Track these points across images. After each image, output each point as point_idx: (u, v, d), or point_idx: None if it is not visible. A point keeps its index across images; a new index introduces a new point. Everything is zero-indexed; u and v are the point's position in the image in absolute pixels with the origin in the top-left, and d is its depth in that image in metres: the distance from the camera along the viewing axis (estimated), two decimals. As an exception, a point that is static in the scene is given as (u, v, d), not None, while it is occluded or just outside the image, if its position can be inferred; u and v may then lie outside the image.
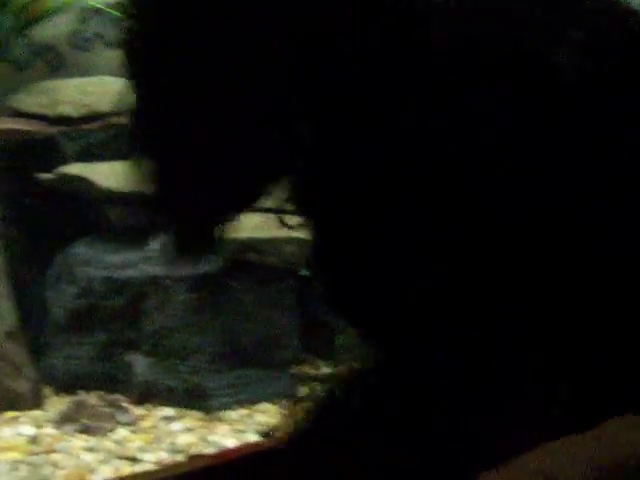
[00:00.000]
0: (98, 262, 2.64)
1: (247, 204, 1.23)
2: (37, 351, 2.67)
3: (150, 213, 1.26)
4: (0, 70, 2.88)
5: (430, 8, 1.12)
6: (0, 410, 2.47)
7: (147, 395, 2.55)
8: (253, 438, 2.31)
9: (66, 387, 2.63)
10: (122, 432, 2.39)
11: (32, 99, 2.80)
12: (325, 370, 2.79)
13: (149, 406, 2.53)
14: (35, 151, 2.75)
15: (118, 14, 2.78)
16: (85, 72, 2.99)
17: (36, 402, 2.55)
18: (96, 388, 2.58)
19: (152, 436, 2.37)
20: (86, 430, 2.39)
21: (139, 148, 1.23)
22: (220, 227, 1.25)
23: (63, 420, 2.42)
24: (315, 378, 2.72)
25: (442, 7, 1.13)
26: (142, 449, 2.30)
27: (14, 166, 2.78)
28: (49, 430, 2.40)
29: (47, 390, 2.62)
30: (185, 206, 1.23)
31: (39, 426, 2.42)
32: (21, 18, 2.81)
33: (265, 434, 2.26)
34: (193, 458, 2.11)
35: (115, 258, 2.62)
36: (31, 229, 2.78)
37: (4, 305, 2.56)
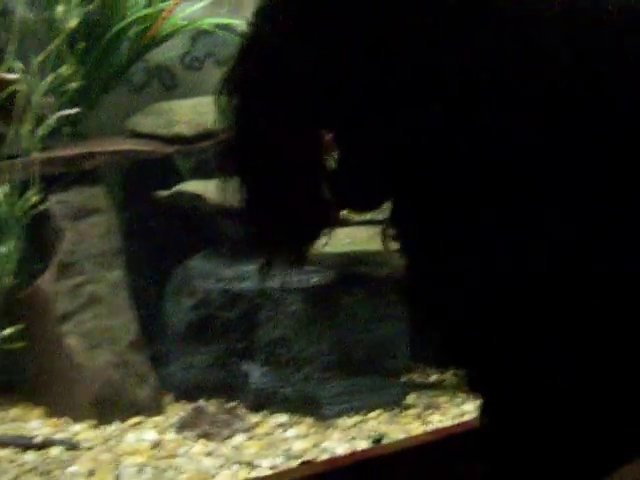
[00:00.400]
0: (215, 275, 2.76)
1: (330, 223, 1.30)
2: (157, 360, 2.80)
3: (244, 227, 1.34)
4: (119, 93, 3.02)
5: None
6: (125, 416, 2.61)
7: (262, 402, 2.65)
8: (364, 445, 2.39)
9: (185, 394, 2.75)
10: (239, 438, 2.49)
11: (149, 120, 2.93)
12: (434, 378, 2.85)
13: (265, 413, 2.63)
14: (153, 170, 2.89)
15: (226, 34, 2.90)
16: (197, 91, 3.11)
17: (158, 408, 2.67)
18: (213, 395, 2.69)
19: (267, 442, 2.47)
20: (205, 436, 2.50)
21: (235, 165, 1.31)
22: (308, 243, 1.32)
23: (183, 426, 2.54)
24: (424, 386, 2.79)
25: None
26: (258, 455, 2.40)
27: (134, 184, 2.92)
28: (170, 435, 2.52)
29: (167, 397, 2.75)
30: (277, 222, 1.30)
31: (161, 431, 2.54)
32: (138, 43, 2.94)
33: (376, 441, 2.34)
34: (305, 464, 2.19)
35: (230, 271, 2.74)
36: (151, 244, 2.92)
37: (127, 316, 2.69)
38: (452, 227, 1.23)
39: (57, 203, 2.68)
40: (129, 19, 2.85)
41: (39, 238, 2.70)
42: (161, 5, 2.89)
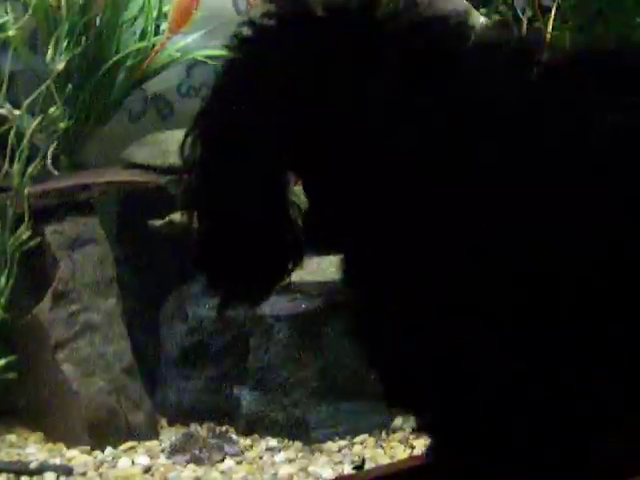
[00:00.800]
0: (207, 302, 2.83)
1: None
2: (153, 384, 2.87)
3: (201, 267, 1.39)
4: (118, 122, 3.09)
5: None
6: (119, 441, 2.67)
7: (253, 427, 2.72)
8: (348, 469, 2.45)
9: (179, 418, 2.82)
10: (229, 462, 2.56)
11: (144, 151, 3.00)
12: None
13: (255, 437, 2.69)
14: (147, 199, 2.96)
15: (219, 64, 2.98)
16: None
17: (152, 433, 2.74)
18: (207, 419, 2.76)
19: (256, 466, 2.54)
20: (196, 460, 2.56)
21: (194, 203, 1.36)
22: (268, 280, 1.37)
23: (174, 451, 2.60)
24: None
25: None
26: (246, 479, 2.46)
27: (128, 214, 3.00)
28: (162, 460, 2.58)
29: (163, 421, 2.82)
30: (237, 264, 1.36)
31: (153, 456, 2.61)
32: (135, 74, 3.02)
33: (357, 467, 2.40)
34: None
35: (221, 298, 2.80)
36: (146, 271, 2.99)
37: (121, 344, 2.76)
38: (406, 272, 1.29)
39: (52, 233, 2.76)
40: (123, 53, 2.93)
41: (35, 268, 2.79)
42: (154, 39, 2.97)
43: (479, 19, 3.17)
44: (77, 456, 2.62)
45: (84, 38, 2.64)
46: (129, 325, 2.82)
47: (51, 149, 2.52)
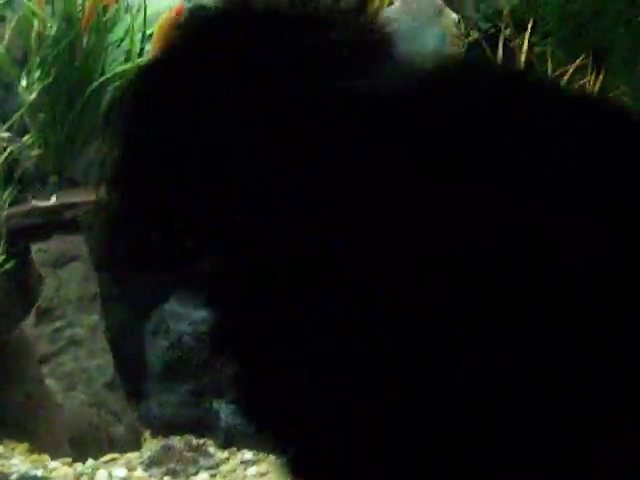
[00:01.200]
0: (187, 317, 2.91)
1: None
2: (137, 398, 2.96)
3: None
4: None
5: None
6: (101, 453, 2.76)
7: (231, 440, 2.79)
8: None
9: (162, 431, 2.90)
10: (203, 475, 2.64)
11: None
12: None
13: (233, 450, 2.77)
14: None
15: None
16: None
17: (135, 445, 2.83)
18: (187, 432, 2.84)
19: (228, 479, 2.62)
20: (172, 473, 2.65)
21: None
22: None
23: (152, 463, 2.69)
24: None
25: None
26: (215, 493, 2.54)
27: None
28: (139, 472, 2.67)
29: (146, 433, 2.90)
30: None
31: (131, 468, 2.70)
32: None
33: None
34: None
35: (200, 314, 2.88)
36: (132, 286, 3.07)
37: (104, 358, 2.85)
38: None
39: (37, 252, 2.85)
40: (108, 74, 3.01)
41: (22, 284, 2.88)
42: (139, 60, 3.04)
43: (451, 17, 3.23)
44: (59, 467, 2.71)
45: (58, 67, 2.72)
46: (115, 340, 2.91)
47: (19, 174, 2.61)
